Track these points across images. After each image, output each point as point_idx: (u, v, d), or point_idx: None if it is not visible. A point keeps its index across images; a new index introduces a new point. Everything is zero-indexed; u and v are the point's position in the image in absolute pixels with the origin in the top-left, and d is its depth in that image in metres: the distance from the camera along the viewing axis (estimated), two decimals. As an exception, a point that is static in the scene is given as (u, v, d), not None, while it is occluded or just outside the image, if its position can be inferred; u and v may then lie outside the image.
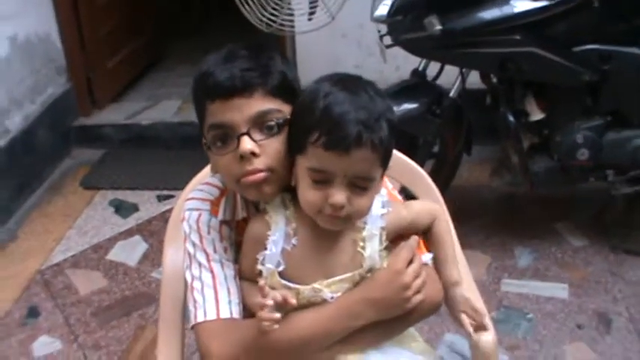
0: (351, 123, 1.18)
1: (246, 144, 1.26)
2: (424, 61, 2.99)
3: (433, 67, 3.01)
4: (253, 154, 1.26)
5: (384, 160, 1.26)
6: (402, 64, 3.50)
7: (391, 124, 1.24)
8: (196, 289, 1.36)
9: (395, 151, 1.78)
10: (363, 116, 1.18)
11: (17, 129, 3.78)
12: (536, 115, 2.80)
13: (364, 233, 1.30)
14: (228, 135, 1.28)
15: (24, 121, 3.85)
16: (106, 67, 4.53)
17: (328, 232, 1.28)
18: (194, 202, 1.44)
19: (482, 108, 3.01)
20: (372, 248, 1.30)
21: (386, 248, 1.32)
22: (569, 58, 2.65)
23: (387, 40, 2.83)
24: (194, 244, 1.39)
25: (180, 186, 1.74)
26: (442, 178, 3.00)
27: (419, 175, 1.82)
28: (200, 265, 1.37)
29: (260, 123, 1.28)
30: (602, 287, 2.83)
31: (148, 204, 3.68)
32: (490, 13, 2.57)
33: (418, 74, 3.01)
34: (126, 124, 4.32)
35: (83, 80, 4.38)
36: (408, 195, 2.76)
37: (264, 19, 2.80)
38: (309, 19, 2.93)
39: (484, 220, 3.28)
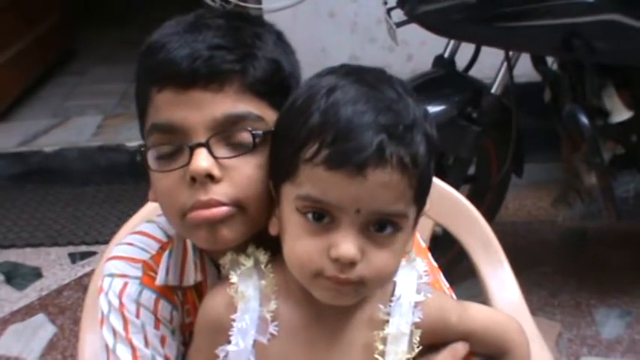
0: (369, 128, 1.08)
1: (202, 160, 1.16)
2: (451, 43, 2.95)
3: (465, 52, 2.96)
4: (211, 177, 1.16)
5: (419, 192, 1.15)
6: (416, 51, 3.48)
7: (429, 139, 1.14)
8: None
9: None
10: (387, 120, 1.09)
11: None
12: (621, 115, 2.75)
13: (387, 330, 1.20)
14: (177, 143, 1.19)
15: None
16: (-14, 69, 4.49)
17: (327, 318, 1.20)
18: (117, 263, 1.33)
19: (536, 110, 2.97)
20: (396, 354, 1.20)
21: (417, 357, 1.22)
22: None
23: (398, 15, 2.77)
24: (115, 333, 1.29)
25: (105, 238, 1.64)
26: (482, 210, 2.91)
27: (454, 202, 1.78)
28: None
29: (228, 132, 1.18)
30: None
31: (55, 267, 3.58)
32: (547, -31, 2.52)
33: (444, 63, 2.96)
34: (20, 152, 4.27)
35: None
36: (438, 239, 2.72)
37: (219, -8, 2.77)
38: (283, -9, 2.91)
39: (546, 270, 3.23)
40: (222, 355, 1.20)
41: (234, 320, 1.19)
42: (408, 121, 1.11)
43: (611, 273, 3.19)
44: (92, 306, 1.59)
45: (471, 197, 2.95)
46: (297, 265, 1.14)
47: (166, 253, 1.32)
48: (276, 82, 1.21)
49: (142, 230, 1.36)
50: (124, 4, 5.98)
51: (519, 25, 2.61)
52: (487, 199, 3.03)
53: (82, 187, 4.13)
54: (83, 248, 3.62)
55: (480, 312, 1.30)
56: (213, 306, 1.23)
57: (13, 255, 3.70)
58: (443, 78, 2.94)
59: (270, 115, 1.20)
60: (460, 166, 2.91)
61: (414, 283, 1.23)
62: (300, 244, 1.13)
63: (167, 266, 1.31)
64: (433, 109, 2.78)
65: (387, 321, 1.20)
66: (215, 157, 1.17)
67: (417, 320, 1.21)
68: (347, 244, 1.09)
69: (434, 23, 2.71)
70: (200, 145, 1.16)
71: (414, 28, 2.75)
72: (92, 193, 4.04)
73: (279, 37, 1.27)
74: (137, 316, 1.28)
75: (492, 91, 2.83)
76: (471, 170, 3.03)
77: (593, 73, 2.72)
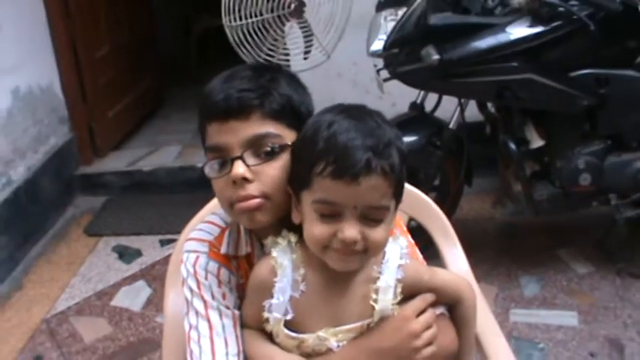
0: (359, 149, 1.08)
1: (239, 168, 1.17)
2: (422, 93, 2.92)
3: (431, 100, 2.94)
4: (245, 179, 1.18)
5: (397, 190, 1.14)
6: (398, 100, 3.44)
7: (401, 153, 1.13)
8: (193, 339, 1.25)
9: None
10: (371, 142, 1.09)
11: (21, 179, 3.67)
12: (537, 143, 2.71)
13: (378, 284, 1.19)
14: (223, 158, 1.20)
15: (27, 171, 3.75)
16: (107, 116, 4.46)
17: (338, 278, 1.18)
18: (192, 243, 1.32)
19: (480, 140, 2.93)
20: (384, 301, 1.19)
21: (399, 303, 1.20)
22: (567, 83, 2.56)
23: (384, 74, 2.75)
24: (191, 290, 1.28)
25: (183, 230, 1.62)
26: (444, 210, 2.85)
27: (424, 203, 1.73)
28: (197, 313, 1.26)
29: (256, 147, 1.19)
30: (612, 313, 2.71)
31: (150, 249, 3.57)
32: (486, 42, 2.48)
33: (416, 107, 2.94)
34: (127, 170, 4.24)
35: (85, 129, 4.30)
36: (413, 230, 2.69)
37: (261, 59, 2.73)
38: (305, 58, 2.87)
39: (488, 251, 3.17)
40: (267, 306, 1.19)
41: (275, 282, 1.18)
42: (385, 141, 1.10)
43: (532, 252, 3.14)
44: (172, 275, 1.58)
45: (436, 201, 2.92)
46: (312, 241, 1.14)
47: (227, 232, 1.31)
48: (288, 110, 1.21)
49: (209, 220, 1.36)
50: (199, 68, 5.96)
51: (467, 81, 2.58)
52: (447, 202, 2.99)
53: (167, 195, 4.11)
54: (168, 237, 3.61)
55: (443, 274, 1.29)
56: (260, 272, 1.22)
57: (123, 240, 3.68)
58: (416, 118, 2.91)
59: (287, 134, 1.20)
60: (428, 179, 2.88)
61: (398, 253, 1.21)
62: (316, 228, 1.12)
63: (228, 241, 1.30)
64: (409, 139, 2.77)
65: (379, 277, 1.18)
66: (248, 165, 1.17)
67: (399, 277, 1.19)
68: (350, 229, 1.09)
69: (409, 79, 2.68)
70: (237, 157, 1.18)
71: (396, 83, 2.72)
72: (175, 199, 4.02)
73: (291, 78, 1.26)
74: (206, 279, 1.27)
75: (450, 126, 2.80)
76: (436, 182, 2.98)
77: (518, 114, 2.71)
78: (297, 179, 1.16)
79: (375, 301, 1.18)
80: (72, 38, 4.12)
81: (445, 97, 2.87)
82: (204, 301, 1.26)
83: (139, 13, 4.98)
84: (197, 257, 1.29)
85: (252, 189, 1.18)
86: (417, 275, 1.23)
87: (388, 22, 2.68)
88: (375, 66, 2.78)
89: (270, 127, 1.18)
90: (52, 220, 3.88)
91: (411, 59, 2.57)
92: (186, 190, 3.97)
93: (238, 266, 1.32)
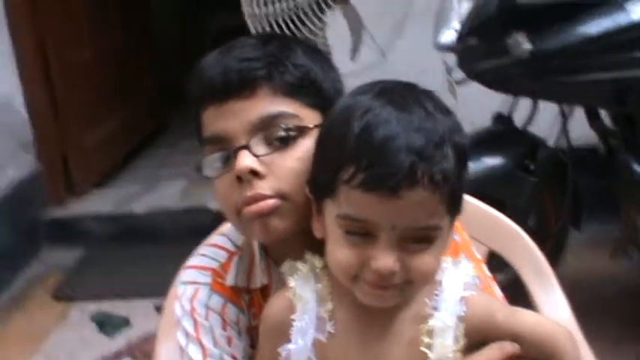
0: (401, 152, 1.07)
1: (244, 160, 1.19)
2: (510, 102, 2.93)
3: (523, 109, 2.95)
4: (255, 173, 1.19)
5: (452, 203, 1.13)
6: (478, 118, 3.46)
7: (459, 150, 1.13)
8: None
9: (476, 202, 1.70)
10: (417, 142, 1.08)
11: (-33, 223, 3.74)
12: (675, 166, 2.68)
13: (432, 323, 1.17)
14: (226, 151, 1.23)
15: (-24, 214, 3.82)
16: (86, 141, 4.54)
17: (378, 316, 1.18)
18: (191, 272, 1.37)
19: (593, 169, 2.91)
20: (442, 347, 1.17)
21: (463, 352, 1.18)
22: None
23: (458, 74, 2.78)
24: (187, 335, 1.31)
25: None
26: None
27: (507, 230, 1.74)
28: None
29: (266, 132, 1.21)
30: None
31: (142, 317, 3.58)
32: (598, 25, 2.50)
33: (503, 119, 2.95)
34: (114, 214, 4.31)
35: (57, 159, 4.38)
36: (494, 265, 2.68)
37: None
38: (352, 58, 2.90)
39: (606, 322, 3.08)
40: (284, 354, 1.20)
41: (294, 320, 1.19)
42: (437, 139, 1.10)
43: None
44: (168, 326, 1.57)
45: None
46: (337, 269, 1.15)
47: (236, 258, 1.34)
48: (307, 84, 1.23)
49: (214, 242, 1.40)
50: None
51: (571, 80, 2.59)
52: (546, 249, 2.95)
53: (167, 246, 4.03)
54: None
55: (528, 315, 1.24)
56: (274, 309, 1.23)
57: (105, 306, 3.70)
58: (502, 134, 2.93)
59: (305, 114, 1.22)
60: (519, 215, 2.82)
61: (461, 281, 1.20)
62: (341, 252, 1.13)
63: (237, 269, 1.33)
64: (492, 161, 2.80)
65: (433, 315, 1.17)
66: (256, 156, 1.19)
67: (462, 314, 1.17)
68: (385, 258, 1.10)
69: (491, 79, 2.70)
70: (242, 147, 1.19)
71: (475, 88, 2.75)
72: (177, 251, 3.96)
73: (310, 48, 1.30)
74: (206, 319, 1.30)
75: (549, 144, 2.81)
76: (530, 221, 2.94)
77: (647, 125, 2.68)
78: (319, 183, 1.17)
79: (429, 346, 1.16)
80: (40, 37, 4.21)
81: (542, 106, 2.88)
82: (204, 348, 1.28)
83: (133, 3, 5.09)
84: (196, 290, 1.32)
85: (263, 186, 1.19)
86: (488, 313, 1.20)
87: (462, 2, 2.71)
88: (445, 63, 2.81)
89: (282, 106, 1.21)
90: (8, 280, 3.91)
91: (493, 52, 2.60)
92: (194, 240, 3.92)
93: (251, 303, 1.34)
